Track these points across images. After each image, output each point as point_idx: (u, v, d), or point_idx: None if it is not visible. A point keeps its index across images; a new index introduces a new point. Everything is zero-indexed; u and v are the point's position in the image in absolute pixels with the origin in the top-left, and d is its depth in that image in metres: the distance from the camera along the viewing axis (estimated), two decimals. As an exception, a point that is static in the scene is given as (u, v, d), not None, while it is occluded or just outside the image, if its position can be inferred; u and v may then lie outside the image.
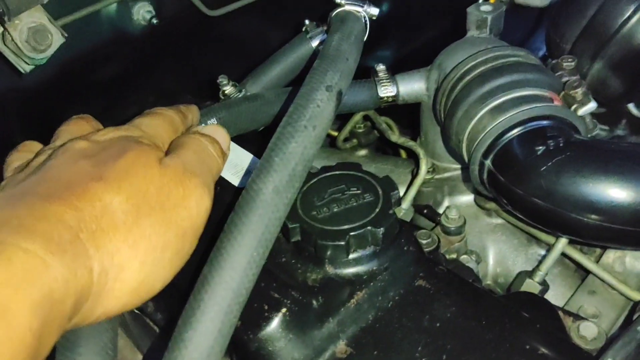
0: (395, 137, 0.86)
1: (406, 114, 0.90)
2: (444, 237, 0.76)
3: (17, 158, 0.49)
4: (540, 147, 0.57)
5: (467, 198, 0.83)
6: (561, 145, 0.56)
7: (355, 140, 0.99)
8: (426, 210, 0.80)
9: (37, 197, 0.39)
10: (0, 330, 0.31)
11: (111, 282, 0.40)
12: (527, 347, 0.50)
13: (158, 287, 0.44)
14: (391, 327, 0.52)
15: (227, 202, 0.54)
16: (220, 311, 0.43)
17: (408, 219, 0.83)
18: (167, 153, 0.48)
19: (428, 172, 0.84)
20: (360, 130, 0.98)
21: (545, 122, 0.59)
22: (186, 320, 0.42)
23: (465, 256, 0.75)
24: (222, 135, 0.54)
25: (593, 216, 0.54)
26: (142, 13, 0.74)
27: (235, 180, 0.64)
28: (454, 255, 0.76)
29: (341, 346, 0.51)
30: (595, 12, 0.69)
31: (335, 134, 0.99)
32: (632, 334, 0.47)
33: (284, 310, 0.50)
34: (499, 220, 0.81)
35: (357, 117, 0.95)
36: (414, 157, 0.86)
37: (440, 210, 0.81)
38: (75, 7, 0.67)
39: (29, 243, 0.34)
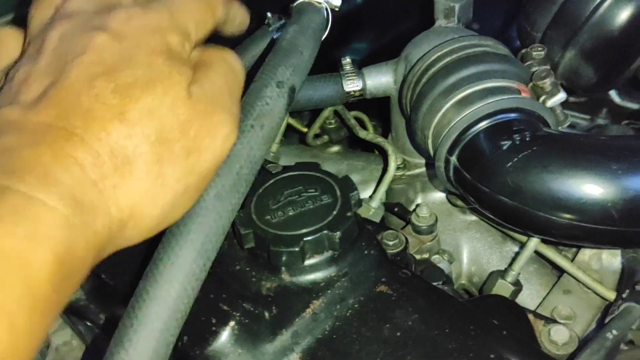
0: (363, 133, 0.83)
1: (380, 107, 0.87)
2: (415, 236, 0.73)
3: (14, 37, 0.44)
4: (506, 142, 0.54)
5: (440, 195, 0.80)
6: (527, 139, 0.53)
7: (326, 137, 0.96)
8: (397, 208, 0.77)
9: (56, 135, 0.35)
10: (21, 284, 0.31)
11: (129, 231, 0.39)
12: (492, 356, 0.47)
13: (175, 219, 0.42)
14: (349, 338, 0.49)
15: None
16: (155, 330, 0.39)
17: (378, 218, 0.79)
18: (194, 68, 0.42)
19: (399, 168, 0.81)
20: (331, 126, 0.95)
21: (511, 115, 0.56)
22: (118, 340, 0.39)
23: (437, 256, 0.73)
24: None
25: (562, 214, 0.51)
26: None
27: None
28: (425, 255, 0.73)
29: (295, 359, 0.48)
30: (565, -1, 0.66)
31: (305, 130, 0.96)
32: (600, 342, 0.44)
33: (232, 323, 0.47)
34: (473, 218, 0.78)
35: (326, 112, 0.92)
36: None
37: (413, 208, 0.78)
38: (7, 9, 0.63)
39: (54, 200, 0.33)
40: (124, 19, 0.40)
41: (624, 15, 0.64)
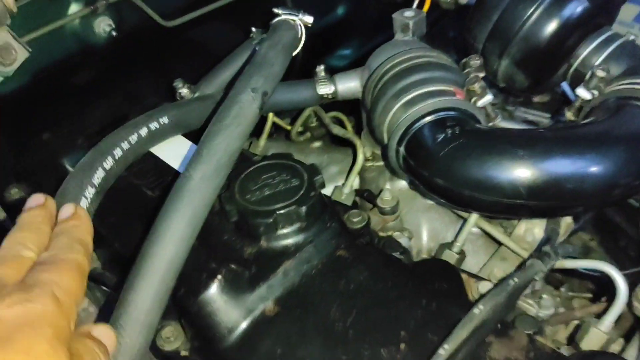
0: (336, 129, 0.96)
1: (357, 108, 1.00)
2: (380, 216, 0.86)
3: None
4: (441, 135, 0.67)
5: (405, 182, 0.93)
6: (457, 133, 0.66)
7: (308, 134, 1.09)
8: (366, 193, 0.90)
9: None
10: None
11: None
12: (423, 301, 0.59)
13: None
14: (313, 290, 0.62)
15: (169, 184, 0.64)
16: (156, 278, 0.52)
17: (350, 202, 0.92)
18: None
19: (368, 160, 0.94)
20: (312, 125, 1.08)
21: (446, 113, 0.69)
22: (129, 285, 0.52)
23: (398, 233, 0.85)
24: (111, 338, 0.47)
25: (482, 192, 0.64)
26: (103, 26, 0.83)
27: (176, 165, 0.74)
28: (389, 233, 0.86)
29: (270, 306, 0.61)
30: (498, 16, 0.79)
31: (290, 128, 1.09)
32: (502, 287, 0.57)
33: (219, 277, 0.60)
34: (433, 201, 0.91)
35: (307, 112, 1.05)
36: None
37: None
38: (41, 24, 0.76)
39: None
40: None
41: (547, 29, 0.77)
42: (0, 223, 0.87)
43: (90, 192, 0.58)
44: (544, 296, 0.78)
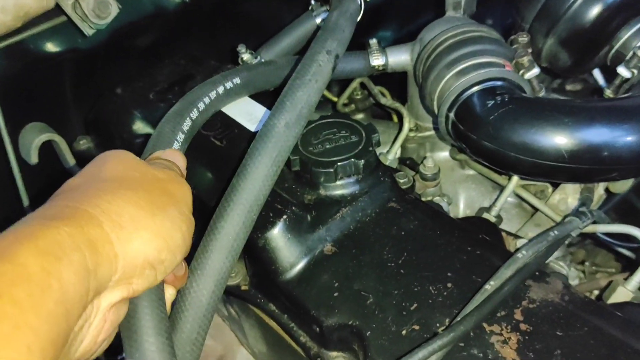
0: (384, 100, 1.02)
1: (398, 84, 1.06)
2: (422, 182, 0.92)
3: None
4: (490, 102, 0.72)
5: (445, 153, 1.00)
6: (506, 100, 0.72)
7: (353, 106, 1.15)
8: (408, 161, 0.96)
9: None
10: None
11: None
12: (469, 248, 0.65)
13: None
14: (367, 234, 0.68)
15: (246, 140, 0.70)
16: (244, 209, 0.58)
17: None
18: None
19: (411, 130, 1.00)
20: (358, 97, 1.14)
21: (496, 83, 0.75)
22: (219, 214, 0.58)
23: (438, 197, 0.91)
24: (178, 158, 0.60)
25: (528, 155, 0.70)
26: (177, -9, 0.90)
27: (251, 127, 0.81)
28: (429, 198, 0.92)
29: (328, 246, 0.67)
30: (547, -2, 0.85)
31: (336, 99, 1.15)
32: (543, 237, 0.63)
33: (284, 217, 0.67)
34: (471, 172, 0.97)
35: (355, 83, 1.11)
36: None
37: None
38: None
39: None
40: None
41: (592, 12, 0.82)
42: (69, 169, 0.95)
43: (180, 137, 0.65)
44: (571, 268, 0.84)
